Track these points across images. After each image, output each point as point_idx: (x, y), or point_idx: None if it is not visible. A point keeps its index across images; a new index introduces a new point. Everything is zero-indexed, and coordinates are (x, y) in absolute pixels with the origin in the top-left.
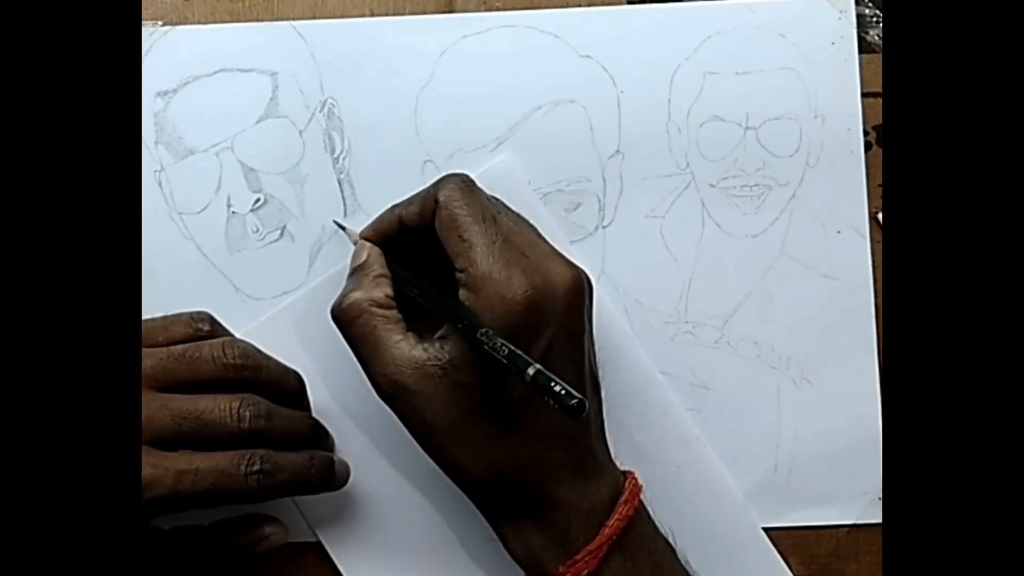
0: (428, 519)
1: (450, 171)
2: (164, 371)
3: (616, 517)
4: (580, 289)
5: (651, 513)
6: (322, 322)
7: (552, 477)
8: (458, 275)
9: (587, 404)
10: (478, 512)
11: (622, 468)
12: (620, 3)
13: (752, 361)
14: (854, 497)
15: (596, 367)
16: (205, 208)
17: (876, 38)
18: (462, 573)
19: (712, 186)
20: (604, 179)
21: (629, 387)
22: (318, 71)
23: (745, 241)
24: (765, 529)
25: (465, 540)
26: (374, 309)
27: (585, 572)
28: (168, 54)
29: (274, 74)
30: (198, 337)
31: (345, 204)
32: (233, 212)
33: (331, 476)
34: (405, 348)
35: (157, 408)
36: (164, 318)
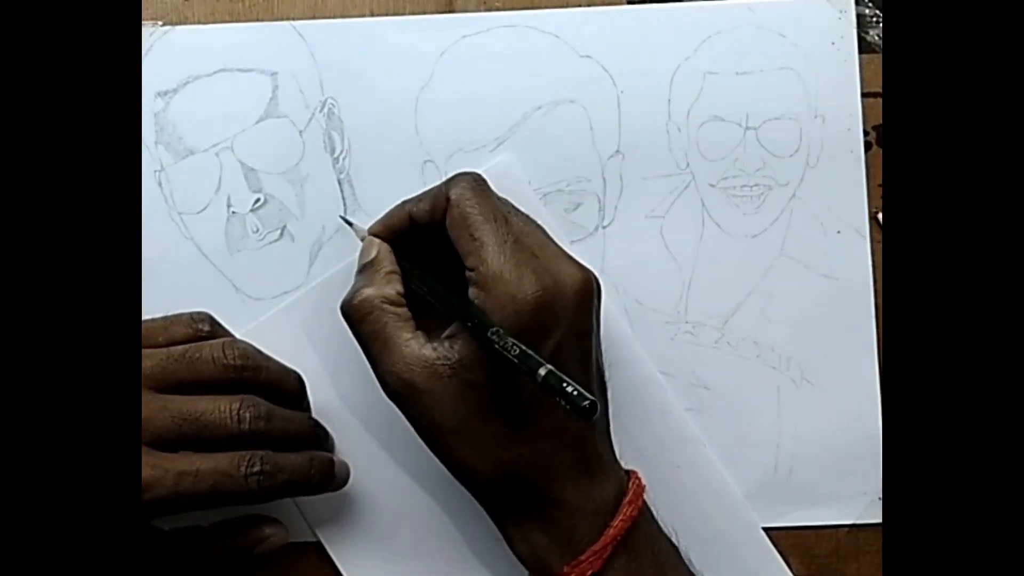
0: (428, 519)
1: (461, 170)
2: (164, 372)
3: (621, 518)
4: (589, 290)
5: (654, 513)
6: (322, 322)
7: (558, 477)
8: (468, 274)
9: (598, 405)
10: (478, 512)
11: (624, 468)
12: (620, 3)
13: (752, 361)
14: (854, 497)
15: (603, 368)
16: (205, 208)
17: (876, 38)
18: (462, 573)
19: (712, 186)
20: (604, 179)
21: (629, 387)
22: (318, 71)
23: (745, 241)
24: (765, 529)
25: (465, 540)
26: (385, 306)
27: (590, 572)
28: (168, 54)
29: (274, 74)
30: (198, 337)
31: (345, 204)
32: (233, 212)
33: (331, 477)
34: (415, 346)
35: (157, 409)
36: (164, 318)
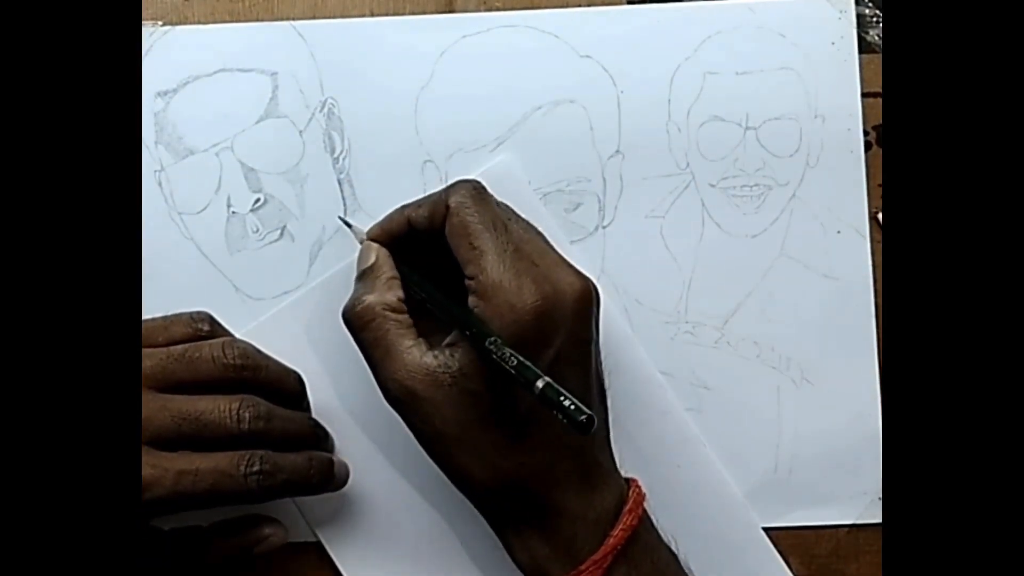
0: (428, 519)
1: (461, 177)
2: (164, 371)
3: (621, 527)
4: (589, 299)
5: (654, 521)
6: (322, 322)
7: (558, 487)
8: (468, 282)
9: (595, 420)
10: (478, 512)
11: (624, 472)
12: (620, 3)
13: (752, 361)
14: (854, 497)
15: (603, 376)
16: (205, 208)
17: (876, 38)
18: (462, 573)
19: (712, 186)
20: (604, 179)
21: (629, 388)
22: (318, 71)
23: (745, 241)
24: (765, 529)
25: (465, 540)
26: (388, 314)
27: None
28: (168, 54)
29: (274, 74)
30: (198, 337)
31: (345, 204)
32: (233, 212)
33: (330, 477)
34: (416, 354)
35: (157, 408)
36: (164, 318)
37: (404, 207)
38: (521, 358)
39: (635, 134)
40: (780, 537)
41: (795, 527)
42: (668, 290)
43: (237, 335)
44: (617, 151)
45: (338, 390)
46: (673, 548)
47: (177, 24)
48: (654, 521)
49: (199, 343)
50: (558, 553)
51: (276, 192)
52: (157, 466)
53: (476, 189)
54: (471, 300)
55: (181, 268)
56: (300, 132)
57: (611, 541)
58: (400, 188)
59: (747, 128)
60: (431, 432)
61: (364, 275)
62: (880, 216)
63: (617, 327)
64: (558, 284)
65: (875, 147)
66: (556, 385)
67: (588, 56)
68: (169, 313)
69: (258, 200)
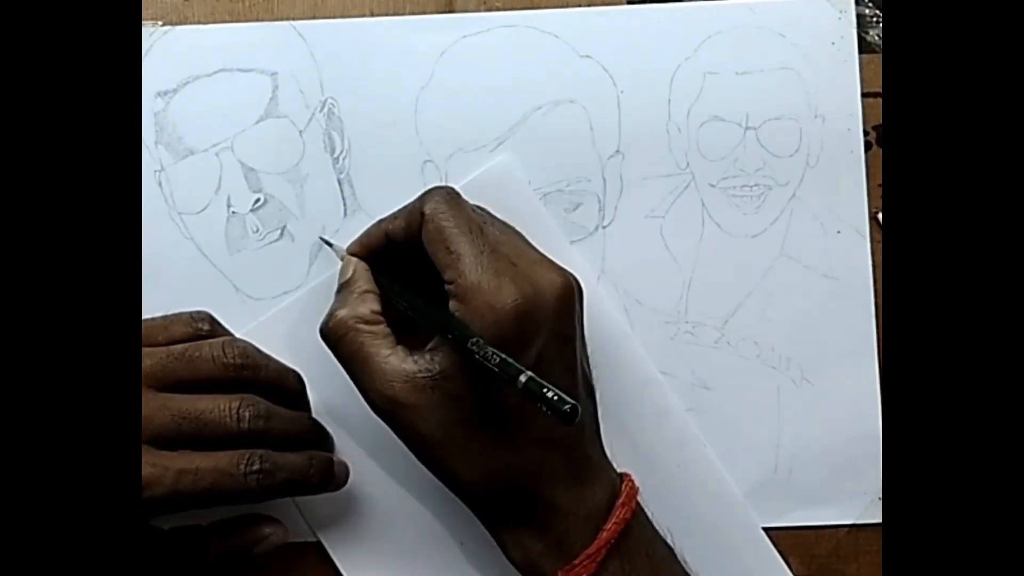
0: (428, 519)
1: (435, 184)
2: (164, 370)
3: (613, 521)
4: (570, 295)
5: (649, 515)
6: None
7: (548, 483)
8: (447, 287)
9: (580, 409)
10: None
11: (621, 469)
12: (620, 3)
13: (752, 361)
14: (854, 497)
15: (590, 372)
16: (205, 208)
17: (876, 38)
18: (462, 573)
19: (712, 186)
20: (604, 179)
21: (629, 387)
22: (318, 71)
23: (745, 241)
24: (765, 529)
25: (465, 540)
26: (360, 326)
27: None
28: (168, 54)
29: (274, 74)
30: (198, 337)
31: (345, 204)
32: (233, 212)
33: (330, 476)
34: (395, 362)
35: (157, 407)
36: (164, 318)
37: (381, 220)
38: (503, 356)
39: (635, 134)
40: (780, 537)
41: (795, 527)
42: (668, 290)
43: (237, 335)
44: (617, 151)
45: (338, 390)
46: (669, 542)
47: (177, 24)
48: (649, 515)
49: (199, 342)
50: (551, 549)
51: (276, 192)
52: (157, 465)
53: (450, 195)
54: (451, 304)
55: (181, 268)
56: (300, 132)
57: (604, 535)
58: (400, 188)
59: (747, 128)
60: (417, 438)
61: (340, 290)
62: (880, 216)
63: (617, 327)
64: (538, 283)
65: (875, 147)
66: (538, 379)
67: (588, 56)
68: (169, 313)
69: (258, 200)
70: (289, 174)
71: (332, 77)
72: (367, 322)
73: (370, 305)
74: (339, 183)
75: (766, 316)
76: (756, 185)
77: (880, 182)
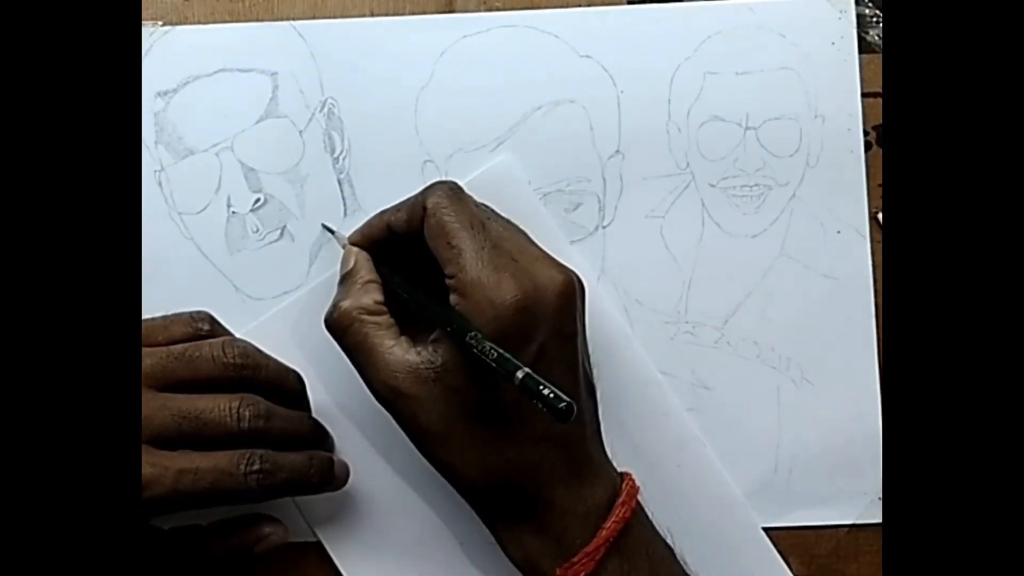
0: (428, 519)
1: (438, 179)
2: (164, 370)
3: (613, 519)
4: (571, 293)
5: (649, 514)
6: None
7: (548, 481)
8: (448, 281)
9: (575, 407)
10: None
11: (621, 469)
12: (620, 3)
13: (752, 361)
14: (854, 497)
15: (590, 370)
16: (205, 208)
17: (876, 38)
18: (462, 573)
19: (712, 186)
20: (604, 179)
21: (629, 387)
22: (318, 71)
23: (745, 241)
24: (765, 529)
25: (465, 540)
26: (364, 317)
27: (583, 574)
28: (168, 54)
29: (274, 74)
30: (198, 336)
31: (345, 204)
32: (233, 212)
33: (331, 476)
34: (398, 352)
35: (157, 407)
36: (164, 318)
37: (383, 212)
38: (501, 351)
39: (635, 134)
40: (780, 537)
41: (795, 527)
42: (668, 290)
43: (237, 335)
44: (617, 151)
45: (338, 390)
46: (669, 542)
47: (177, 24)
48: (649, 515)
49: (199, 342)
50: (550, 546)
51: (276, 192)
52: (157, 465)
53: (452, 190)
54: (452, 298)
55: (181, 268)
56: (300, 132)
57: (603, 533)
58: (400, 188)
59: (747, 128)
60: (418, 429)
61: (343, 280)
62: (880, 216)
63: (617, 327)
64: (538, 279)
65: (875, 147)
66: (535, 376)
67: (588, 56)
68: (169, 313)
69: (258, 200)
70: (289, 174)
71: (332, 77)
72: (371, 312)
73: (373, 295)
74: (339, 183)
75: (766, 316)
76: (756, 185)
77: (880, 182)
